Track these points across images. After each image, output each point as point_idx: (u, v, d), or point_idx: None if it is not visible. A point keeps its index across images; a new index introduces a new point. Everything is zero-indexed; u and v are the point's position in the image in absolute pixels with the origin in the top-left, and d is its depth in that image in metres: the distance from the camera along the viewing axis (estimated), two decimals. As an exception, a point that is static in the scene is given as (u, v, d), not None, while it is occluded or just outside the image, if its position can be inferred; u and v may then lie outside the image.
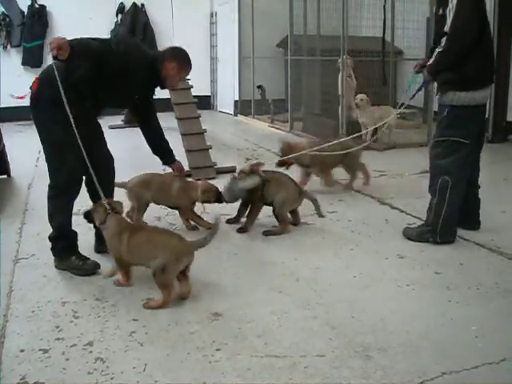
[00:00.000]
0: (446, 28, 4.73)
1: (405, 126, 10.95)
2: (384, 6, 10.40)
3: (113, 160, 4.86)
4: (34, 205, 6.33)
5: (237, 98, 14.60)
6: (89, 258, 4.59)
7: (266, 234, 5.42)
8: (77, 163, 4.41)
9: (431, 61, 4.92)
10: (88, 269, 4.49)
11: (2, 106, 12.76)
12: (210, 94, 16.15)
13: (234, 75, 14.57)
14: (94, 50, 4.20)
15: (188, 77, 8.69)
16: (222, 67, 15.45)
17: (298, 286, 4.28)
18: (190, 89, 8.50)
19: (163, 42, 14.86)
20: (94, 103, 4.49)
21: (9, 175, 7.85)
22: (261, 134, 11.71)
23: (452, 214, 4.99)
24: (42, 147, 4.54)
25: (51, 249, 4.63)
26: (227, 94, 15.15)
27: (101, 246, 4.82)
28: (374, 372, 3.14)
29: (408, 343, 3.43)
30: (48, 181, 4.53)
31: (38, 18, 13.60)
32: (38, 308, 3.91)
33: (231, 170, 7.78)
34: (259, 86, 13.53)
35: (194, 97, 8.53)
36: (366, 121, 9.72)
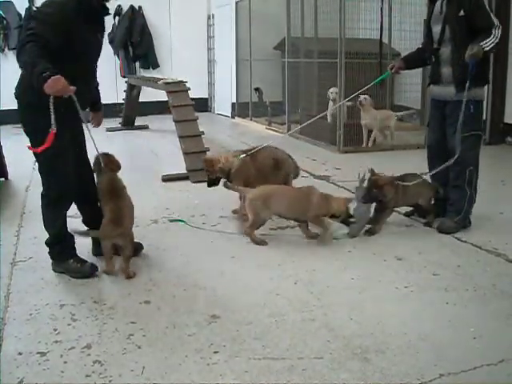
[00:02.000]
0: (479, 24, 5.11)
1: (402, 128, 10.95)
2: (381, 8, 10.44)
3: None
4: (31, 208, 6.32)
5: (234, 101, 14.61)
6: (86, 261, 4.58)
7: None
8: (68, 171, 4.44)
9: (487, 45, 5.04)
10: (86, 271, 4.49)
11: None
12: (207, 96, 16.15)
13: (232, 77, 14.58)
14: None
15: (185, 79, 8.77)
16: (220, 69, 15.46)
17: (295, 289, 4.28)
18: (187, 91, 8.49)
19: (161, 45, 14.95)
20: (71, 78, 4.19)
21: (6, 178, 7.84)
22: (258, 137, 11.68)
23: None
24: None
25: (48, 252, 4.63)
26: (225, 97, 15.16)
27: (98, 248, 4.82)
28: (372, 374, 3.14)
29: (406, 345, 3.44)
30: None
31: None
32: (35, 311, 3.91)
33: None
34: (257, 89, 13.54)
35: (192, 99, 8.52)
36: (369, 122, 9.74)
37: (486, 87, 5.53)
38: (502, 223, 5.72)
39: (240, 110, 14.37)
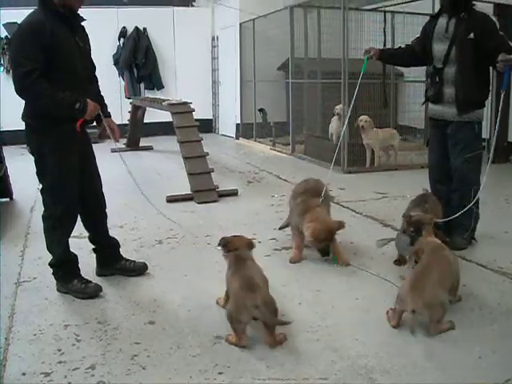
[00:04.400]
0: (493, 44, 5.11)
1: (406, 148, 10.97)
2: (384, 29, 10.51)
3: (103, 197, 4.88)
4: (36, 228, 6.32)
5: (238, 121, 14.64)
6: (91, 281, 4.58)
7: None
8: (74, 194, 4.48)
9: None
10: (90, 292, 4.49)
11: (4, 129, 12.80)
12: (211, 117, 16.20)
13: (236, 98, 14.63)
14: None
15: (190, 100, 8.82)
16: (224, 90, 15.52)
17: (299, 309, 4.26)
18: (191, 112, 8.53)
19: (165, 66, 15.03)
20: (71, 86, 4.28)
21: (11, 198, 7.86)
22: (263, 157, 11.74)
23: None
24: (37, 178, 4.51)
25: (53, 273, 4.63)
26: (229, 117, 15.21)
27: (102, 269, 4.83)
28: (377, 395, 3.13)
29: (411, 365, 3.42)
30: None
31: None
32: (39, 331, 3.90)
33: (233, 193, 7.81)
34: (261, 109, 13.59)
35: (196, 120, 8.55)
36: (371, 142, 9.76)
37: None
38: (507, 242, 5.71)
39: (244, 130, 14.41)
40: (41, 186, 4.49)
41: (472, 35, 5.19)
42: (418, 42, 5.71)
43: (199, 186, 7.67)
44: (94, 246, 4.93)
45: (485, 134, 9.63)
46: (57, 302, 4.40)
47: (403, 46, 6.08)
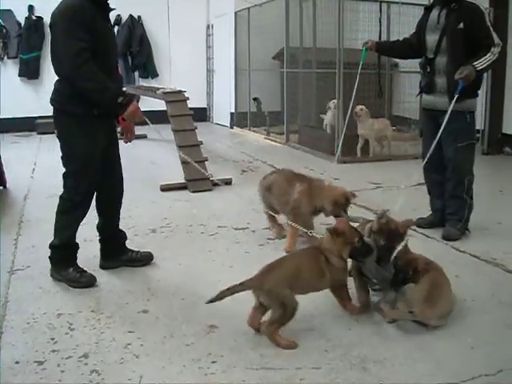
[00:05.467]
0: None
1: (401, 139, 10.98)
2: (380, 19, 10.49)
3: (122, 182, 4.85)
4: (29, 216, 6.32)
5: (233, 110, 14.61)
6: (86, 271, 4.56)
7: None
8: (95, 180, 4.46)
9: (481, 64, 5.11)
10: (85, 281, 4.47)
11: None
12: (206, 106, 16.17)
13: (230, 87, 14.59)
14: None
15: (184, 88, 8.79)
16: (218, 79, 15.48)
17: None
18: (186, 101, 8.50)
19: (160, 55, 14.97)
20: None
21: (5, 186, 7.83)
22: (257, 146, 11.73)
23: None
24: (62, 161, 4.46)
25: (50, 257, 4.59)
26: (223, 106, 15.17)
27: (107, 261, 4.80)
28: (370, 384, 3.14)
29: (404, 355, 3.43)
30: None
31: (35, 30, 13.62)
32: (33, 320, 3.90)
33: (227, 181, 7.80)
34: (255, 99, 13.56)
35: (190, 109, 8.53)
36: (366, 132, 9.77)
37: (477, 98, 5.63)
38: (500, 233, 5.73)
39: (238, 119, 14.39)
40: (64, 169, 4.45)
41: (462, 25, 5.23)
42: (414, 34, 5.75)
43: (193, 175, 7.66)
44: (100, 237, 4.87)
45: (479, 125, 9.72)
46: (50, 291, 4.40)
47: (399, 37, 6.12)
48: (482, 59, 5.10)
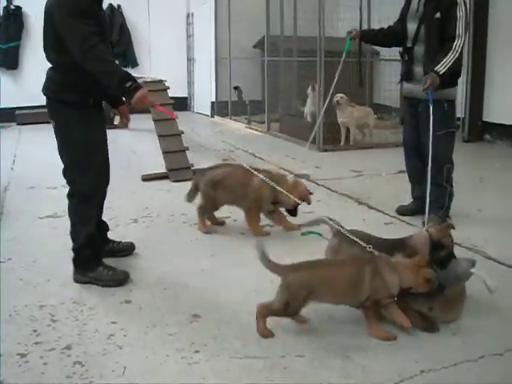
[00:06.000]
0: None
1: (382, 127, 11.01)
2: (360, 7, 10.49)
3: None
4: (10, 208, 6.27)
5: (213, 99, 14.57)
6: (115, 268, 4.42)
7: None
8: (103, 164, 4.37)
9: (443, 67, 5.15)
10: (120, 279, 4.34)
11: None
12: (186, 95, 16.12)
13: (211, 76, 14.55)
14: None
15: (164, 78, 8.75)
16: (199, 68, 15.42)
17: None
18: (166, 90, 8.47)
19: (140, 44, 14.88)
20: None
21: (-16, 178, 7.77)
22: (238, 135, 11.71)
23: None
24: (61, 153, 4.29)
25: (74, 260, 4.39)
26: (204, 95, 15.13)
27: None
28: (353, 371, 3.15)
29: (387, 343, 3.45)
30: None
31: (14, 19, 13.49)
32: (15, 312, 3.87)
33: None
34: (236, 87, 13.53)
35: (171, 98, 8.50)
36: (347, 120, 9.78)
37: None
38: (481, 220, 5.77)
39: (219, 108, 14.36)
40: (64, 163, 4.29)
41: (438, 15, 5.29)
42: (398, 21, 5.77)
43: (174, 165, 7.64)
44: None
45: (460, 113, 9.78)
46: (32, 283, 4.36)
47: (380, 25, 6.14)
48: (444, 61, 5.15)
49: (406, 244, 3.94)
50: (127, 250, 4.92)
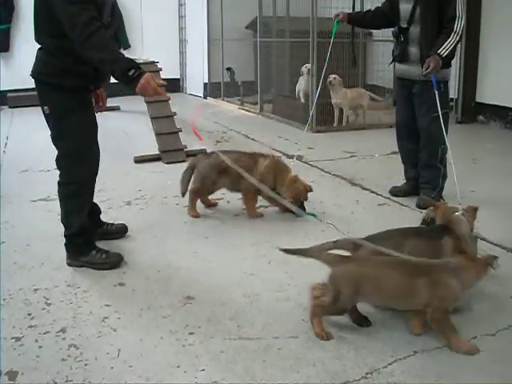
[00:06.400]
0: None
1: (375, 108, 10.99)
2: (353, -13, 10.42)
3: None
4: (2, 192, 6.24)
5: (206, 81, 14.51)
6: (108, 251, 4.40)
7: None
8: (99, 155, 4.32)
9: (446, 50, 5.17)
10: (114, 261, 4.32)
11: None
12: (179, 76, 16.04)
13: (204, 57, 14.47)
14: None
15: (157, 59, 8.71)
16: (191, 50, 15.34)
17: (269, 268, 4.29)
18: (158, 71, 8.44)
19: (132, 25, 14.78)
20: None
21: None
22: (231, 117, 11.68)
23: None
24: (55, 141, 4.19)
25: (67, 246, 4.38)
26: (196, 77, 15.06)
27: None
28: (347, 352, 3.17)
29: (380, 323, 3.48)
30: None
31: (4, 2, 13.36)
32: (9, 296, 3.88)
33: (201, 152, 7.77)
34: (228, 69, 13.48)
35: (163, 79, 8.46)
36: (340, 101, 9.77)
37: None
38: (474, 201, 5.71)
39: (212, 90, 14.30)
40: (59, 151, 4.19)
41: None
42: (386, 3, 5.73)
43: (167, 146, 7.63)
44: None
45: (453, 94, 9.77)
46: (25, 266, 4.36)
47: (373, 5, 6.10)
48: (446, 43, 5.15)
49: (447, 231, 3.79)
50: (120, 232, 4.92)
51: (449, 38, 5.14)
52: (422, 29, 5.36)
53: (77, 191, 4.24)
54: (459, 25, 5.16)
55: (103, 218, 4.93)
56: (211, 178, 5.43)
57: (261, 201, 5.56)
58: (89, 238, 4.41)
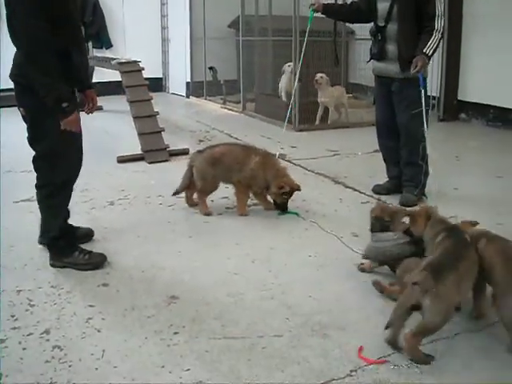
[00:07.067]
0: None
1: (356, 106, 11.02)
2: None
3: None
4: (-15, 191, 6.21)
5: (189, 80, 14.48)
6: (92, 251, 4.38)
7: None
8: (77, 153, 4.25)
9: (430, 48, 5.22)
10: (97, 262, 4.29)
11: None
12: (161, 75, 15.99)
13: (186, 57, 14.43)
14: None
15: (139, 59, 8.68)
16: (174, 49, 15.29)
17: (253, 267, 4.30)
18: (141, 71, 8.41)
19: (114, 24, 14.70)
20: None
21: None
22: (213, 116, 11.66)
23: None
24: (31, 142, 4.15)
25: (49, 248, 4.37)
26: (179, 76, 15.01)
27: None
28: (332, 350, 3.19)
29: (365, 320, 3.49)
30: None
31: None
32: (-9, 297, 3.86)
33: (184, 152, 7.77)
34: (211, 68, 13.45)
35: (146, 79, 8.44)
36: (326, 100, 9.78)
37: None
38: (457, 198, 5.81)
39: (194, 89, 14.27)
40: (36, 153, 4.15)
41: None
42: (368, 6, 5.72)
43: (150, 146, 7.61)
44: None
45: (435, 92, 9.84)
46: (8, 267, 4.32)
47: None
48: (430, 42, 5.20)
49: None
50: (85, 237, 4.79)
51: (431, 36, 5.18)
52: (400, 27, 5.38)
53: (52, 193, 4.20)
54: (440, 23, 5.19)
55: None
56: (210, 172, 5.49)
57: (252, 199, 5.59)
58: (70, 239, 4.38)
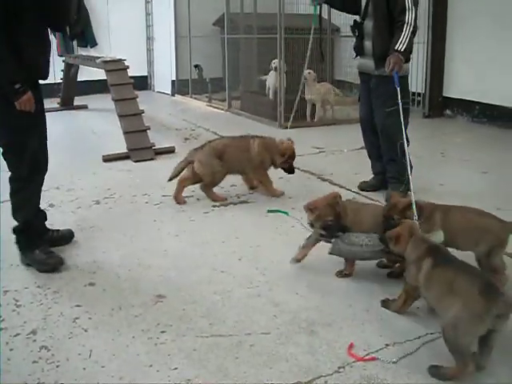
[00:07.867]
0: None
1: (343, 103, 11.03)
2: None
3: None
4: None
5: (174, 78, 14.45)
6: (53, 252, 4.35)
7: None
8: (40, 148, 4.23)
9: (402, 44, 5.18)
10: (52, 263, 4.25)
11: None
12: (146, 74, 15.94)
13: (171, 55, 14.40)
14: None
15: (124, 57, 8.65)
16: (159, 47, 15.25)
17: (239, 265, 4.30)
18: (126, 69, 8.38)
19: (98, 23, 14.65)
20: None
21: None
22: (199, 114, 11.64)
23: None
24: None
25: (16, 242, 4.38)
26: (164, 74, 14.97)
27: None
28: (319, 347, 3.19)
29: (352, 317, 3.50)
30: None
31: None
32: (-23, 298, 3.84)
33: (170, 150, 7.76)
34: (196, 66, 13.43)
35: (131, 77, 8.41)
36: (313, 97, 9.78)
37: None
38: (442, 194, 5.82)
39: (180, 87, 14.24)
40: (1, 146, 4.18)
41: None
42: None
43: (135, 145, 7.59)
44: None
45: (420, 89, 9.88)
46: (-7, 267, 4.32)
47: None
48: (401, 37, 5.17)
49: None
50: (65, 239, 4.77)
51: (402, 31, 5.14)
52: (375, 23, 5.42)
53: (18, 187, 4.22)
54: (410, 16, 5.16)
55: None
56: (217, 164, 5.70)
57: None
58: (32, 236, 4.36)
